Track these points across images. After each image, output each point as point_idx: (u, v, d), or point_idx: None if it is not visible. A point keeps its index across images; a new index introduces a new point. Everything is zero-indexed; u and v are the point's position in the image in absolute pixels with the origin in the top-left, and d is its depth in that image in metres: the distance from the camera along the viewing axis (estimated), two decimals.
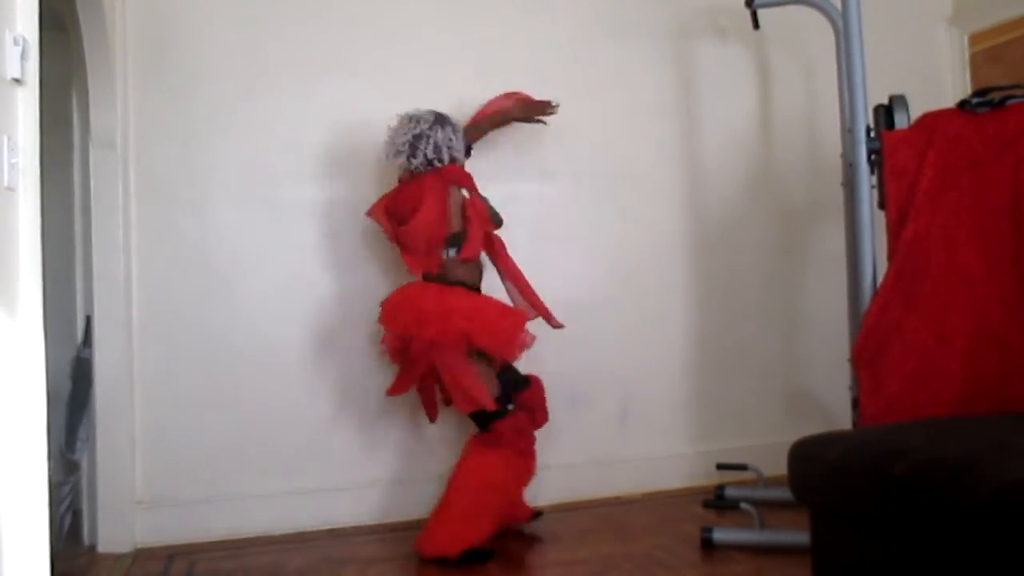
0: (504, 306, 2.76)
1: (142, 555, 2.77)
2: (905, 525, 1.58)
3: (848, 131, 2.57)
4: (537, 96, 3.06)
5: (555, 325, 2.85)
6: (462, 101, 3.18)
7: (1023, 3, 3.51)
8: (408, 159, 2.69)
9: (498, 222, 2.84)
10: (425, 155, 2.67)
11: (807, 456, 1.86)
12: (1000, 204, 2.30)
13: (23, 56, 1.30)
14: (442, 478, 3.10)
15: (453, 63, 3.19)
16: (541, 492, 2.99)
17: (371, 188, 3.08)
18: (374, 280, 3.08)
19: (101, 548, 2.76)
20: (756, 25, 3.12)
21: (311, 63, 3.06)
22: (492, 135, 3.03)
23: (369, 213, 2.85)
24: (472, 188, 2.80)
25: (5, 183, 1.25)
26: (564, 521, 2.97)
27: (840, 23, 2.67)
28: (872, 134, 2.51)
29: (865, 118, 2.51)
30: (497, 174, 3.15)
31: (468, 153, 2.89)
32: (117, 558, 2.72)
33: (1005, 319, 2.28)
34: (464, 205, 2.74)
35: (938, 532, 1.50)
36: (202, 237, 2.96)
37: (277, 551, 2.78)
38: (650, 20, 3.45)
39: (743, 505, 2.75)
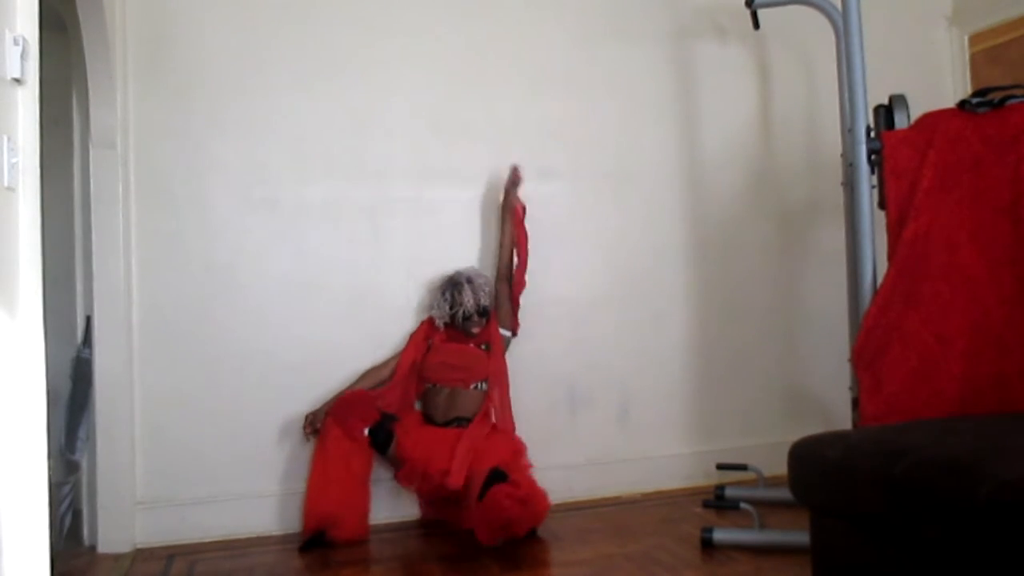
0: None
1: (142, 555, 2.77)
2: (905, 525, 1.58)
3: (848, 131, 2.57)
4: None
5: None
6: (461, 101, 3.19)
7: (1023, 3, 3.51)
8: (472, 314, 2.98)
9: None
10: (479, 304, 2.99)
11: (807, 456, 1.86)
12: (1000, 204, 2.30)
13: (23, 56, 1.30)
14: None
15: (452, 63, 3.19)
16: None
17: (371, 187, 3.09)
18: (374, 280, 3.09)
19: (101, 548, 2.76)
20: (756, 25, 3.12)
21: (310, 63, 3.06)
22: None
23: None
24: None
25: (5, 183, 1.25)
26: (564, 521, 2.97)
27: (840, 23, 2.67)
28: (872, 134, 2.51)
29: (865, 118, 2.51)
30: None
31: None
32: (117, 558, 2.72)
33: (1005, 319, 2.28)
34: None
35: (938, 532, 1.50)
36: (202, 237, 2.96)
37: (277, 551, 2.78)
38: (650, 20, 3.45)
39: (743, 505, 2.76)
